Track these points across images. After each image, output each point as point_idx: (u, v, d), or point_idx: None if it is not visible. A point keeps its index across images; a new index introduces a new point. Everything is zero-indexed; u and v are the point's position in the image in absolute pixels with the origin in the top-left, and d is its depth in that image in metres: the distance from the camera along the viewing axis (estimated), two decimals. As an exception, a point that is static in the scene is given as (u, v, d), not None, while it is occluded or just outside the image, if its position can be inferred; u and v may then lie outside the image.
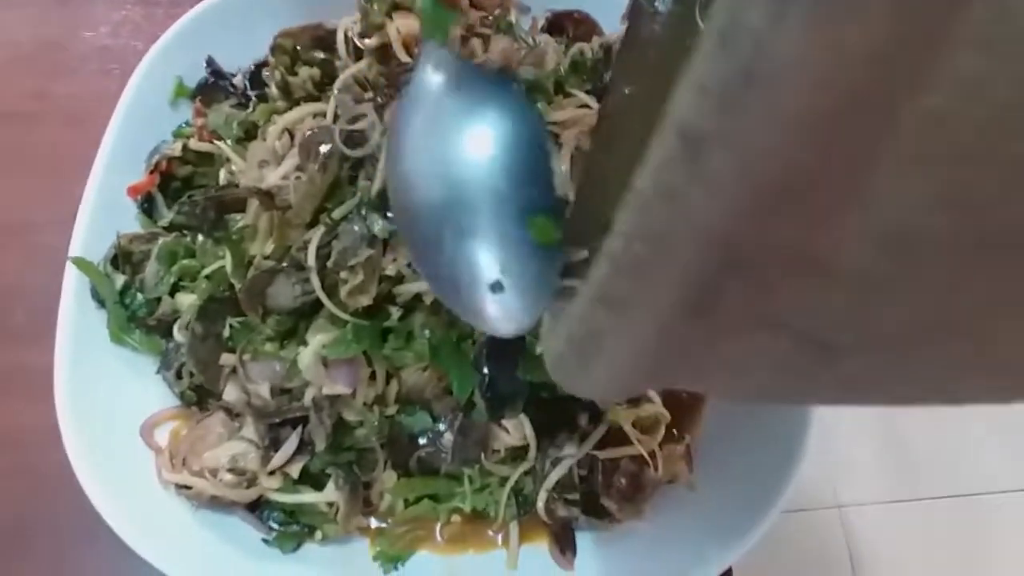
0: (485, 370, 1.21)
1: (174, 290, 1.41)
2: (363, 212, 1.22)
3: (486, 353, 1.21)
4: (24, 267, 1.53)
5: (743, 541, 1.20)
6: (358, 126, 1.30)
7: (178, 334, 1.36)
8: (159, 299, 1.40)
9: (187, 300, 1.37)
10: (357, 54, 1.53)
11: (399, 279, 1.21)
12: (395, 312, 1.23)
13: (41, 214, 1.56)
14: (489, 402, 1.22)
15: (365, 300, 1.18)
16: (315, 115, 1.45)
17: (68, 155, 1.48)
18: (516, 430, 1.27)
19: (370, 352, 1.22)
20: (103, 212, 1.43)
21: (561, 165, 1.25)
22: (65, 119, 1.65)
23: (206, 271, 1.38)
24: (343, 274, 1.18)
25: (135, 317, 1.39)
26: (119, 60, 1.60)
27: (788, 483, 1.22)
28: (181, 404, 1.36)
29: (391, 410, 1.27)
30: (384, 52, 1.47)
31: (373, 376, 1.24)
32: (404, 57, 1.41)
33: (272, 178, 1.32)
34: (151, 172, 1.49)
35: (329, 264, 1.19)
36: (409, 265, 1.20)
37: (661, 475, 1.29)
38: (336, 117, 1.39)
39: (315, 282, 1.21)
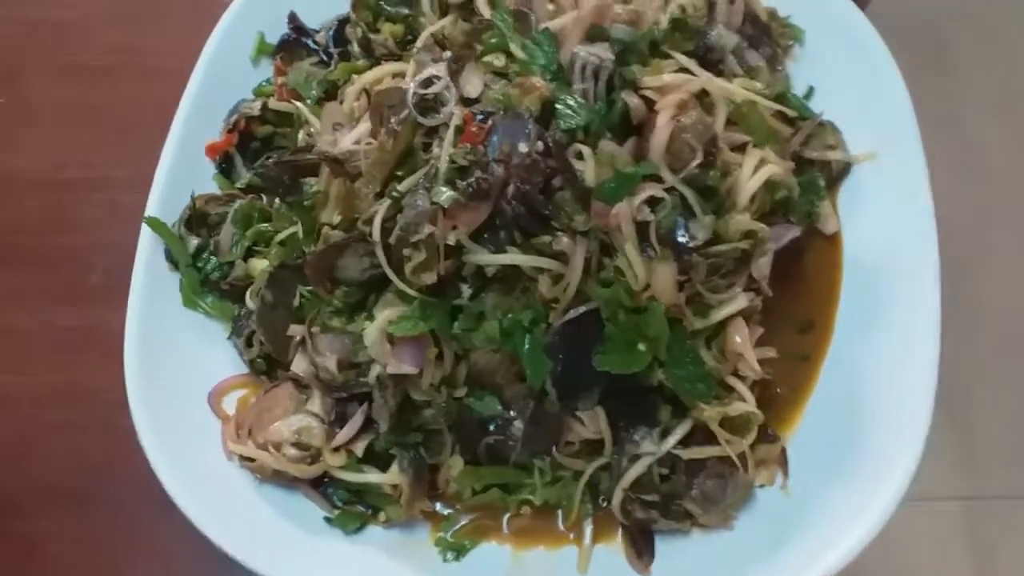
0: (558, 355, 1.11)
1: (248, 255, 1.37)
2: (429, 184, 1.13)
3: (560, 339, 1.11)
4: (103, 224, 1.53)
5: (842, 552, 1.07)
6: (432, 89, 1.20)
7: (250, 300, 1.32)
8: (233, 263, 1.36)
9: (260, 265, 1.34)
10: (443, 9, 1.44)
11: (459, 249, 1.11)
12: (465, 290, 1.15)
13: (121, 171, 1.55)
14: (561, 390, 1.13)
15: (429, 278, 1.10)
16: (394, 76, 1.38)
17: (149, 111, 1.45)
18: (591, 422, 1.18)
19: (438, 331, 1.14)
20: (181, 171, 1.41)
21: (656, 136, 1.13)
22: (146, 74, 1.64)
23: (280, 236, 1.33)
24: (407, 251, 1.10)
25: (208, 281, 1.36)
26: (202, 14, 1.56)
27: (901, 486, 1.06)
28: (250, 372, 1.32)
29: (460, 392, 1.15)
30: (468, 8, 1.37)
31: (441, 356, 1.16)
32: (486, 12, 1.31)
33: (344, 143, 1.25)
34: (230, 131, 1.45)
35: (391, 240, 1.11)
36: (472, 235, 1.11)
37: (751, 478, 1.18)
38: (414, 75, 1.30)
39: (381, 257, 1.14)
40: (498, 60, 1.21)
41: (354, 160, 1.22)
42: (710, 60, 1.33)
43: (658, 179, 1.14)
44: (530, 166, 1.11)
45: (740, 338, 1.19)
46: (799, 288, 1.31)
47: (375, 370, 1.16)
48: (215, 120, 1.45)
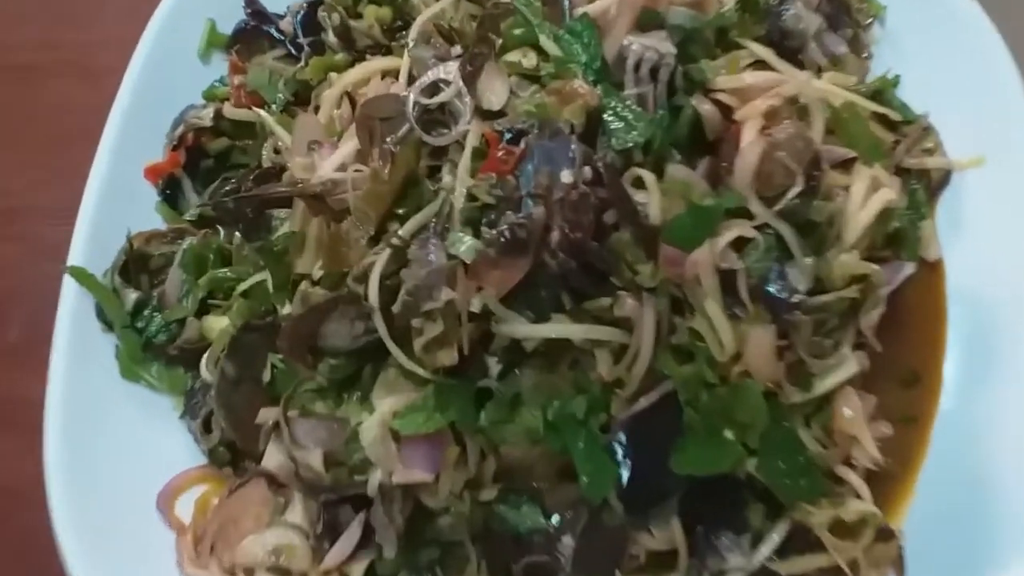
0: (625, 458, 0.87)
1: (203, 309, 1.09)
2: (444, 226, 0.87)
3: (629, 436, 0.87)
4: (21, 266, 1.25)
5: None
6: (439, 98, 0.93)
7: (206, 370, 1.04)
8: (183, 321, 1.09)
9: (218, 325, 1.07)
10: (440, -12, 1.14)
11: (487, 316, 0.86)
12: (493, 366, 0.89)
13: (44, 197, 1.27)
14: (630, 503, 0.89)
15: (447, 358, 0.85)
16: (384, 74, 1.08)
17: (79, 121, 1.18)
18: (661, 531, 0.93)
19: (459, 425, 0.89)
20: (113, 202, 1.12)
21: (743, 157, 0.85)
22: (76, 74, 1.35)
23: (243, 285, 1.06)
24: (416, 322, 0.84)
25: (151, 345, 1.09)
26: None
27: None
28: (210, 463, 1.05)
29: (487, 494, 0.93)
30: (476, -16, 1.08)
31: (464, 455, 0.91)
32: (504, -7, 1.02)
33: (324, 168, 0.97)
34: (175, 148, 1.18)
35: (397, 308, 0.85)
36: (505, 299, 0.85)
37: (864, 587, 0.95)
38: (411, 79, 1.01)
39: (381, 328, 0.88)
40: (526, 58, 0.93)
41: (338, 192, 0.95)
42: (787, 48, 1.07)
43: (745, 213, 0.89)
44: (577, 202, 0.85)
45: (851, 412, 0.95)
46: (899, 331, 1.06)
47: (375, 476, 0.90)
48: (155, 134, 1.19)
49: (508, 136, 0.89)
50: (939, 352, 1.07)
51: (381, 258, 0.89)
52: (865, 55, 1.16)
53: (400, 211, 0.92)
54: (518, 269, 0.84)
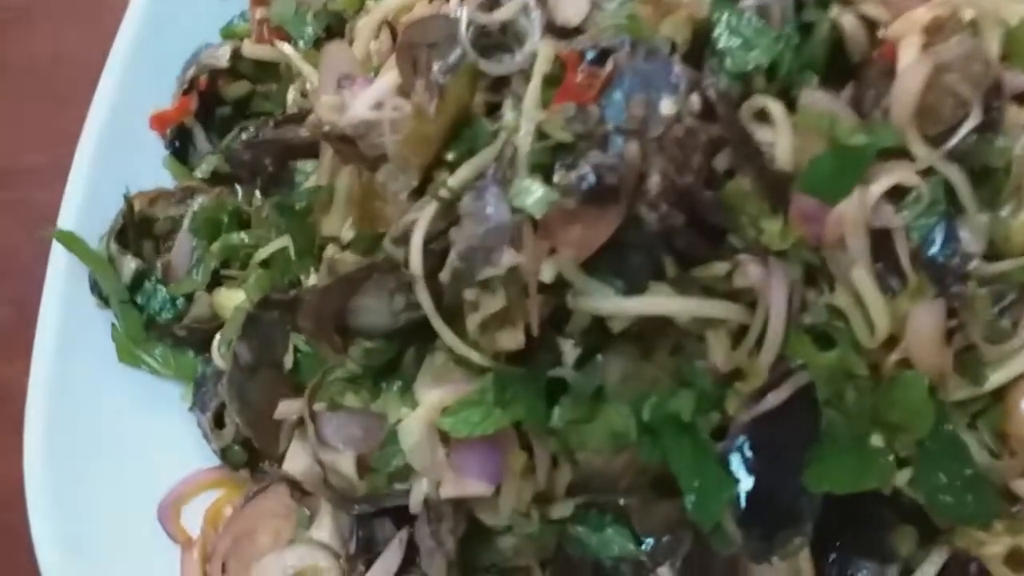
0: (745, 471, 0.68)
1: (215, 282, 0.96)
2: (506, 173, 0.70)
3: (752, 442, 0.69)
4: (7, 236, 1.13)
5: None
6: (500, 15, 0.75)
7: (218, 355, 0.90)
8: (192, 295, 0.95)
9: (233, 300, 0.92)
10: None
11: (560, 286, 0.68)
12: (569, 351, 0.72)
13: (34, 156, 1.15)
14: (751, 529, 0.70)
15: (510, 340, 0.68)
16: (432, -1, 0.89)
17: (71, 69, 1.08)
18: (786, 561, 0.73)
19: (526, 425, 0.72)
20: (112, 157, 0.99)
21: (902, 82, 0.65)
22: (67, 16, 1.20)
23: (262, 253, 0.92)
24: (470, 293, 0.67)
25: (155, 323, 0.96)
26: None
27: None
28: (223, 464, 0.93)
29: (561, 511, 0.77)
30: None
31: (530, 460, 0.74)
32: None
33: (358, 107, 0.80)
34: (186, 92, 1.03)
35: (445, 276, 0.68)
36: (586, 264, 0.68)
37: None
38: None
39: (424, 301, 0.71)
40: (614, -43, 0.73)
41: (374, 136, 0.78)
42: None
43: (904, 155, 0.70)
44: (683, 139, 0.67)
45: None
46: None
47: (420, 487, 0.75)
48: (164, 77, 1.04)
49: (591, 56, 0.70)
50: None
51: (426, 214, 0.71)
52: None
53: (450, 157, 0.74)
54: (605, 225, 0.65)
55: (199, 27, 1.05)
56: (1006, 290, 0.73)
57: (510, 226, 0.66)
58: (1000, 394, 0.75)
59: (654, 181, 0.65)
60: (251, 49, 1.01)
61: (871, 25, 0.74)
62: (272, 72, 1.02)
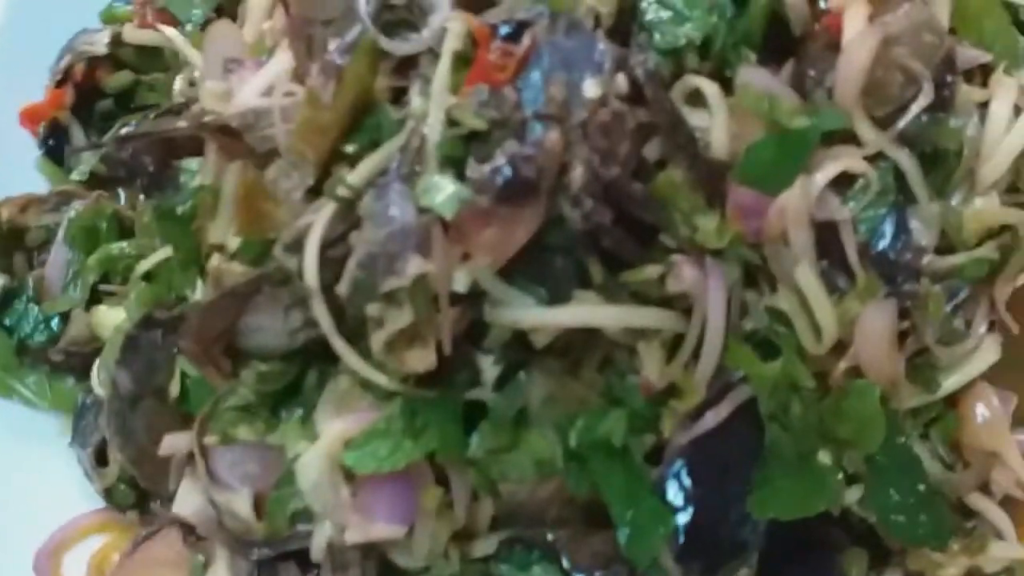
0: (684, 501, 0.62)
1: (94, 297, 0.85)
2: (413, 167, 0.62)
3: (688, 467, 0.62)
4: None
5: None
6: None
7: (97, 382, 0.81)
8: (68, 314, 0.85)
9: (113, 318, 0.83)
10: None
11: (478, 296, 0.61)
12: (488, 369, 0.64)
13: None
14: (693, 565, 0.64)
15: (419, 361, 0.60)
16: (329, -28, 0.80)
17: None
18: None
19: (441, 457, 0.64)
20: None
21: (847, 58, 0.59)
22: None
23: (144, 264, 0.82)
24: (373, 308, 0.59)
25: (27, 348, 0.86)
26: None
27: None
28: (108, 506, 0.83)
29: (484, 548, 0.70)
30: None
31: (448, 494, 0.66)
32: None
33: (245, 94, 0.73)
34: (59, 85, 0.93)
35: (344, 288, 0.61)
36: (504, 270, 0.61)
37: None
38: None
39: (322, 318, 0.63)
40: (526, -80, 0.66)
41: (264, 126, 0.70)
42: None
43: (850, 139, 0.64)
44: (609, 124, 0.60)
45: (988, 417, 0.70)
46: None
47: (323, 533, 0.66)
48: (35, 66, 0.94)
49: (505, 31, 0.62)
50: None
51: (322, 216, 0.63)
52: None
53: (350, 149, 0.65)
54: (524, 225, 0.58)
55: (75, 10, 0.95)
56: (959, 286, 0.68)
57: (416, 229, 0.58)
58: (953, 400, 0.71)
59: (577, 173, 0.58)
60: (133, 34, 0.91)
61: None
62: (158, 60, 0.93)
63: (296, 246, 0.64)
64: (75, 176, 0.89)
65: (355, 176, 0.64)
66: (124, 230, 0.86)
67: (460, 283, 0.59)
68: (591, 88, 0.59)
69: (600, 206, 0.57)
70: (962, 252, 0.67)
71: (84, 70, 0.91)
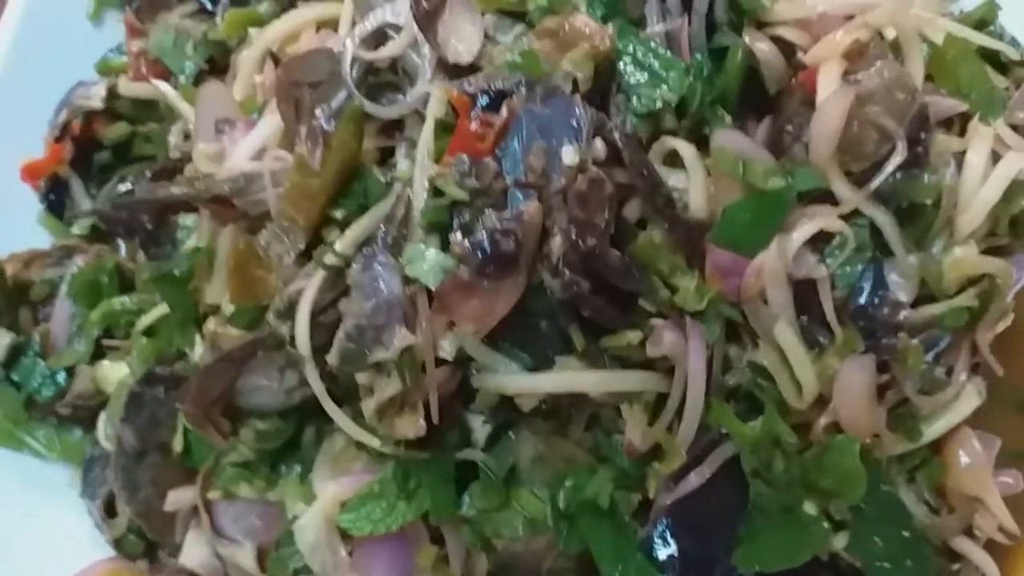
0: (670, 559, 0.62)
1: (98, 350, 0.84)
2: (399, 234, 0.64)
3: (674, 526, 0.63)
4: None
5: None
6: (388, 51, 0.70)
7: (103, 436, 0.81)
8: (74, 369, 0.84)
9: (117, 373, 0.82)
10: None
11: (465, 361, 0.63)
12: (479, 428, 0.66)
13: None
14: None
15: (410, 428, 0.61)
16: (319, 26, 0.82)
17: None
18: None
19: (435, 518, 0.65)
20: None
21: (821, 117, 0.59)
22: None
23: (144, 320, 0.81)
24: (363, 377, 0.61)
25: (35, 402, 0.85)
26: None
27: None
28: (118, 555, 0.82)
29: None
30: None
31: (443, 550, 0.67)
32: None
33: (236, 158, 0.72)
34: (58, 140, 0.92)
35: (333, 359, 0.62)
36: (489, 336, 0.62)
37: None
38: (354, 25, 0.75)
39: (315, 383, 0.65)
40: (505, -14, 0.66)
41: (255, 191, 0.71)
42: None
43: (827, 197, 0.64)
44: (587, 192, 0.60)
45: (970, 461, 0.70)
46: (1014, 339, 0.77)
47: None
48: (35, 121, 0.93)
49: (484, 101, 0.63)
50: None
51: (311, 285, 0.64)
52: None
53: (337, 215, 0.66)
54: (505, 296, 0.59)
55: (71, 62, 0.94)
56: (939, 335, 0.68)
57: (402, 301, 0.59)
58: (937, 446, 0.71)
59: (556, 243, 0.58)
60: (128, 87, 0.90)
61: (789, 50, 0.69)
62: (153, 110, 0.92)
63: (288, 312, 0.65)
64: (76, 230, 0.89)
65: (343, 243, 0.65)
66: (125, 281, 0.85)
67: (446, 351, 0.60)
68: (569, 155, 0.60)
69: (578, 276, 0.57)
70: (942, 301, 0.66)
71: (81, 124, 0.90)
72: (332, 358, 0.60)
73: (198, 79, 0.89)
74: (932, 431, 0.69)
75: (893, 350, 0.64)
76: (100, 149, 0.92)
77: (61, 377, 0.83)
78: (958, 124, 0.72)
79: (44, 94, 0.93)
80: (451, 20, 0.66)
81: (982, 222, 0.68)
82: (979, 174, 0.68)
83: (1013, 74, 0.82)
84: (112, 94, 0.91)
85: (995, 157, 0.69)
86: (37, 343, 0.84)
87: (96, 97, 0.91)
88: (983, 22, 0.81)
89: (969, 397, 0.69)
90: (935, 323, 0.67)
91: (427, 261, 0.60)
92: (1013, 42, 0.84)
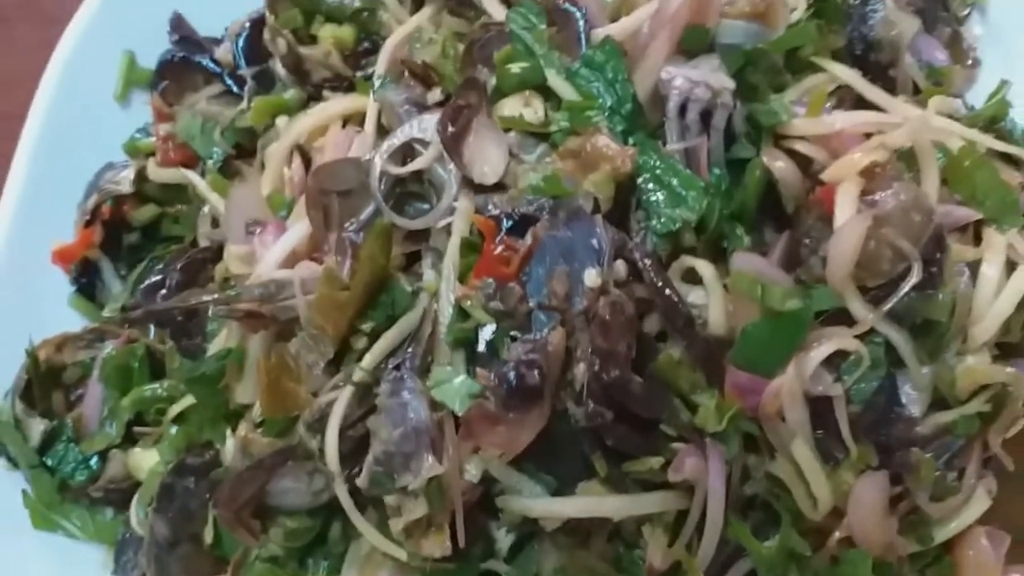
0: None
1: (130, 435, 0.86)
2: (427, 355, 0.66)
3: None
4: None
5: None
6: (415, 165, 0.71)
7: (136, 521, 0.82)
8: (106, 453, 0.86)
9: (148, 460, 0.84)
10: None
11: (488, 484, 0.64)
12: (502, 538, 0.67)
13: None
14: None
15: (436, 548, 0.63)
16: (346, 120, 0.83)
17: None
18: None
19: None
20: (13, 297, 0.90)
21: (839, 240, 0.61)
22: None
23: (175, 408, 0.82)
24: (391, 499, 0.63)
25: (69, 486, 0.86)
26: (44, 26, 0.99)
27: None
28: None
29: None
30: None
31: None
32: (496, 10, 0.76)
33: (266, 264, 0.73)
34: (88, 224, 0.93)
35: (363, 482, 0.64)
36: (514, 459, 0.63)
37: None
38: (381, 128, 0.77)
39: (344, 498, 0.67)
40: (529, 107, 0.68)
41: (284, 296, 0.72)
42: (874, 64, 0.78)
43: (843, 317, 0.65)
44: (610, 317, 0.62)
45: (980, 561, 0.71)
46: None
47: None
48: (65, 204, 0.95)
49: (509, 223, 0.65)
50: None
51: (341, 400, 0.66)
52: (969, 61, 0.89)
53: (364, 328, 0.68)
54: (530, 424, 0.60)
55: (100, 143, 0.95)
56: (952, 442, 0.69)
57: (429, 427, 0.61)
58: (948, 544, 0.72)
59: (580, 371, 0.60)
60: (156, 173, 0.91)
61: (806, 164, 0.70)
62: (181, 192, 0.93)
63: (318, 425, 0.67)
64: (107, 312, 0.90)
65: (369, 360, 0.67)
66: (156, 364, 0.86)
67: (472, 474, 0.61)
68: (591, 278, 0.61)
69: (602, 407, 0.59)
70: (955, 408, 0.68)
71: (111, 208, 0.92)
72: (362, 482, 0.62)
73: (225, 164, 0.91)
74: (943, 534, 0.70)
75: (907, 463, 0.66)
76: (129, 231, 0.94)
77: (94, 462, 0.85)
78: (972, 228, 0.73)
79: (74, 174, 0.94)
80: (476, 142, 0.67)
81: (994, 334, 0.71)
82: (993, 286, 0.69)
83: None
84: (140, 177, 0.92)
85: (1011, 266, 0.70)
86: (70, 427, 0.85)
87: (125, 182, 0.92)
88: (994, 119, 0.83)
89: (979, 500, 0.70)
90: (948, 430, 0.68)
91: (454, 388, 0.61)
92: (1024, 134, 0.86)
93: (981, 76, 0.91)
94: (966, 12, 0.93)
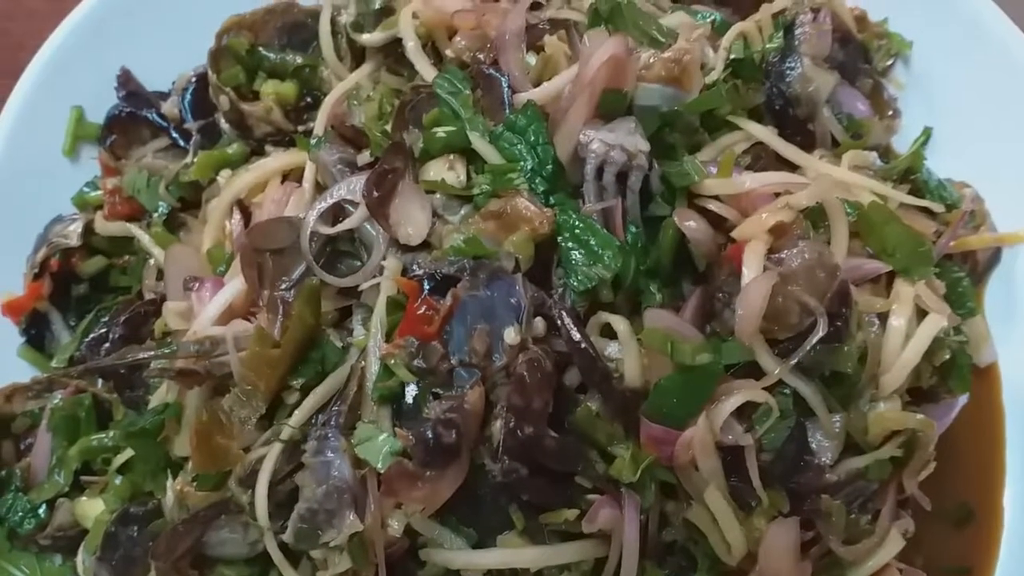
0: None
1: (77, 482, 0.87)
2: (354, 411, 0.68)
3: None
4: None
5: None
6: (344, 226, 0.73)
7: (83, 568, 0.84)
8: (55, 500, 0.87)
9: (94, 509, 0.85)
10: (354, 55, 0.92)
11: (413, 537, 0.66)
12: None
13: None
14: None
15: None
16: (285, 176, 0.85)
17: None
18: None
19: None
20: None
21: (747, 296, 0.63)
22: None
23: (120, 458, 0.84)
24: (317, 554, 0.65)
25: (17, 534, 0.87)
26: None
27: None
28: None
29: None
30: (396, 53, 0.85)
31: None
32: (426, 71, 0.79)
33: (202, 320, 0.75)
34: (37, 277, 0.95)
35: (289, 537, 0.66)
36: (440, 514, 0.66)
37: None
38: (319, 185, 0.79)
39: (274, 552, 0.69)
40: (452, 171, 0.70)
41: (220, 353, 0.73)
42: (793, 119, 0.82)
43: (753, 369, 0.68)
44: (527, 374, 0.64)
45: None
46: (946, 460, 0.82)
47: None
48: (13, 257, 0.96)
49: (429, 285, 0.67)
50: (997, 478, 0.87)
51: (269, 458, 0.68)
52: (890, 112, 0.92)
53: (295, 384, 0.70)
54: (449, 480, 0.63)
55: (48, 197, 0.96)
56: (865, 487, 0.72)
57: (351, 485, 0.63)
58: None
59: (496, 428, 0.63)
60: (103, 226, 0.93)
61: (718, 222, 0.73)
62: (128, 243, 0.94)
63: (249, 480, 0.69)
64: (55, 363, 0.91)
65: (296, 418, 0.69)
66: (103, 413, 0.88)
67: (395, 528, 0.64)
68: (510, 335, 0.64)
69: (517, 463, 0.61)
70: (868, 454, 0.71)
71: (59, 261, 0.93)
72: (288, 538, 0.64)
73: (171, 218, 0.93)
74: (858, 574, 0.72)
75: (817, 510, 0.68)
76: (78, 282, 0.95)
77: (42, 510, 0.85)
78: (885, 278, 0.76)
79: (23, 227, 0.95)
80: (401, 204, 0.70)
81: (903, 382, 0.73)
82: (900, 337, 0.72)
83: (940, 218, 0.87)
84: (88, 230, 0.94)
85: (920, 314, 0.73)
86: (18, 476, 0.87)
87: (73, 235, 0.93)
88: (910, 171, 0.86)
89: (894, 541, 0.73)
90: (861, 474, 0.71)
91: (377, 444, 0.64)
92: (940, 186, 0.90)
93: (906, 124, 0.96)
94: (889, 62, 0.98)
